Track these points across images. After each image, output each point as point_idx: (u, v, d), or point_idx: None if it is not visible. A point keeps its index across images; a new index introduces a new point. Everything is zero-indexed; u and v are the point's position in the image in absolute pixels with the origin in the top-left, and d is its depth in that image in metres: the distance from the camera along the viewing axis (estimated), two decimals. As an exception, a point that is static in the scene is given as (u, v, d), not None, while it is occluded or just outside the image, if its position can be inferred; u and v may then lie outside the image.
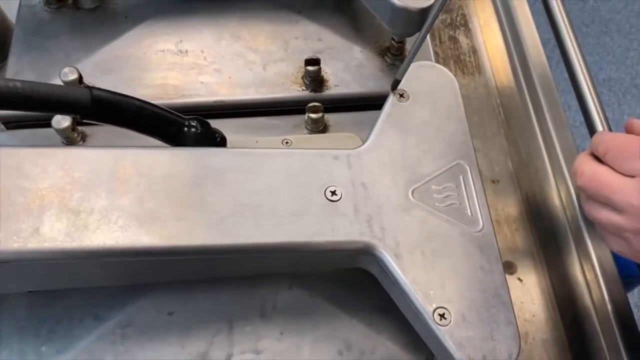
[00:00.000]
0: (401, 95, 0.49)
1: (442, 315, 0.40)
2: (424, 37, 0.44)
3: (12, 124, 0.60)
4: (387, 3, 0.55)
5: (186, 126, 0.49)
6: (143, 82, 0.61)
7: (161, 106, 0.48)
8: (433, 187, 0.45)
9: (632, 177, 0.39)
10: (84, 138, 0.57)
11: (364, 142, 0.47)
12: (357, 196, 0.43)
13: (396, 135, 0.47)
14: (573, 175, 0.44)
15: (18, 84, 0.39)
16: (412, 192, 0.45)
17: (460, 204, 0.45)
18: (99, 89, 0.44)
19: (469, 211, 0.45)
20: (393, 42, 0.62)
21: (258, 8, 0.65)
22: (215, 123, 0.57)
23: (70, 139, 0.56)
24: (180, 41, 0.63)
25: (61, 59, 0.61)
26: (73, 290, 0.47)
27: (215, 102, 0.60)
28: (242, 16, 0.65)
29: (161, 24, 0.64)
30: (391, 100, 0.49)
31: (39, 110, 0.42)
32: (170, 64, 0.62)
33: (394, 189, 0.44)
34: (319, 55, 0.61)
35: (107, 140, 0.57)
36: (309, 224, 0.42)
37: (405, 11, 0.55)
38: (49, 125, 0.55)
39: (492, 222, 0.45)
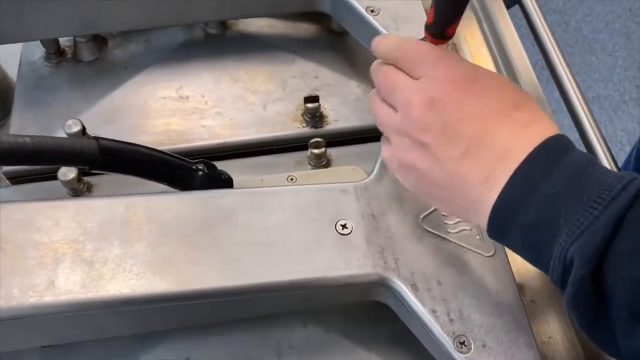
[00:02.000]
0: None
1: (462, 343, 0.40)
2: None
3: (17, 179, 0.61)
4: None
5: (193, 170, 0.49)
6: (146, 130, 0.61)
7: (167, 152, 0.49)
8: (442, 214, 0.45)
9: (417, 79, 0.38)
10: (89, 188, 0.58)
11: (369, 174, 0.48)
12: (368, 228, 0.44)
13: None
14: (372, 74, 0.43)
15: (27, 140, 0.40)
16: (422, 220, 0.45)
17: (470, 229, 0.45)
18: (106, 139, 0.45)
19: (480, 236, 0.45)
20: (389, 74, 0.63)
21: (255, 50, 0.67)
22: (220, 165, 0.57)
23: (76, 190, 0.56)
24: (181, 87, 0.64)
25: (63, 112, 0.62)
26: (87, 341, 0.47)
27: (218, 144, 0.61)
28: (240, 59, 0.66)
29: (160, 71, 0.65)
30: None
31: (49, 163, 0.43)
32: (172, 110, 0.63)
33: (404, 219, 0.44)
34: (316, 92, 0.62)
35: (113, 189, 0.57)
36: (321, 259, 0.42)
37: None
38: (53, 177, 0.56)
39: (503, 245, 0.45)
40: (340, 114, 0.63)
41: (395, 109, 0.40)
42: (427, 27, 0.41)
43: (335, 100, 0.64)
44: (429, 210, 0.45)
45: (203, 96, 0.64)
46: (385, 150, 0.41)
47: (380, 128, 0.42)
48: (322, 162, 0.59)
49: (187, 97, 0.64)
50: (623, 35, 1.97)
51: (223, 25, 0.68)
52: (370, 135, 0.63)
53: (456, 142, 0.36)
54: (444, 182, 0.37)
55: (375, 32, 0.56)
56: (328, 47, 0.68)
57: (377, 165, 0.47)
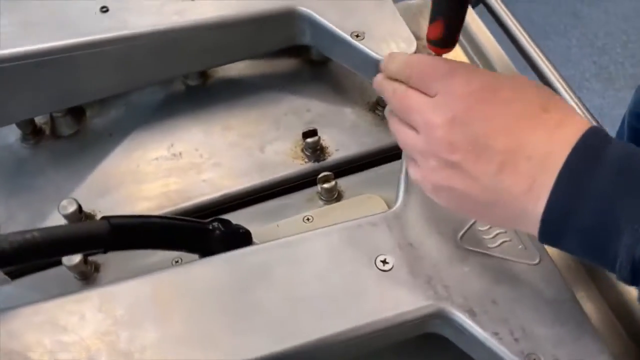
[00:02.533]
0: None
1: (534, 362, 0.38)
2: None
3: (15, 273, 0.57)
4: (369, 60, 0.55)
5: (209, 230, 0.46)
6: (144, 195, 0.58)
7: (178, 216, 0.46)
8: (479, 228, 0.44)
9: (434, 96, 0.37)
10: (97, 268, 0.54)
11: (394, 201, 0.46)
12: (409, 259, 0.41)
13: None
14: (383, 93, 0.41)
15: (35, 234, 0.37)
16: (461, 239, 0.43)
17: (511, 240, 0.43)
18: (115, 216, 0.42)
19: (521, 245, 0.43)
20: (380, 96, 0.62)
21: (240, 94, 0.65)
22: (227, 217, 0.55)
23: (84, 273, 0.52)
24: (172, 145, 0.62)
25: (53, 193, 0.59)
26: None
27: (221, 196, 0.58)
28: (227, 105, 0.64)
29: (147, 132, 0.62)
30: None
31: (61, 255, 0.39)
32: (167, 170, 0.60)
33: (442, 241, 0.43)
34: (312, 126, 0.60)
35: (121, 264, 0.54)
36: (369, 302, 0.39)
37: (390, 64, 0.55)
38: (55, 264, 0.52)
39: (545, 249, 0.43)
40: (340, 144, 0.61)
41: (416, 130, 0.38)
42: (434, 42, 0.40)
43: (332, 130, 0.62)
44: (466, 227, 0.44)
45: (197, 150, 0.61)
46: (414, 172, 0.39)
47: (404, 150, 0.40)
48: (333, 196, 0.57)
49: (180, 153, 0.61)
50: (571, 15, 2.02)
51: (203, 75, 0.66)
52: (374, 159, 0.62)
53: (489, 158, 0.35)
54: (484, 199, 0.36)
55: (364, 57, 0.55)
56: (313, 78, 0.67)
57: (401, 191, 0.45)
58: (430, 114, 0.36)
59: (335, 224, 0.44)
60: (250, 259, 0.41)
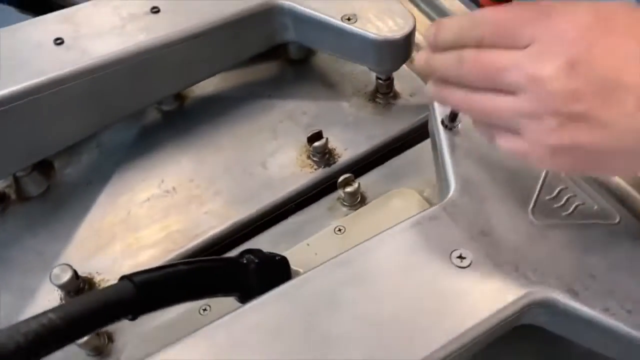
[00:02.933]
0: (451, 123, 0.43)
1: (656, 331, 0.33)
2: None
3: None
4: (367, 42, 0.50)
5: (243, 265, 0.40)
6: (143, 244, 0.51)
7: (204, 258, 0.39)
8: (546, 198, 0.39)
9: (524, 47, 0.31)
10: (110, 338, 0.46)
11: (442, 189, 0.40)
12: (486, 248, 0.36)
13: (473, 165, 0.41)
14: (439, 70, 0.34)
15: (51, 316, 0.29)
16: (532, 214, 0.38)
17: (584, 202, 0.39)
18: (136, 274, 0.35)
19: (596, 205, 0.39)
20: (380, 81, 0.57)
21: (224, 110, 0.58)
22: (245, 246, 0.48)
23: (98, 348, 0.44)
24: (162, 181, 0.54)
25: (36, 263, 0.50)
26: None
27: (231, 226, 0.52)
28: (213, 125, 0.57)
29: (131, 172, 0.55)
30: (443, 134, 0.43)
31: (85, 334, 0.32)
32: (163, 209, 0.53)
33: (515, 221, 0.38)
34: (313, 129, 0.54)
35: (137, 327, 0.46)
36: (459, 307, 0.34)
37: (389, 43, 0.50)
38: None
39: (621, 205, 0.39)
40: (347, 142, 0.56)
41: (512, 93, 0.31)
42: None
43: (336, 129, 0.56)
44: (533, 200, 0.39)
45: (191, 181, 0.54)
46: (513, 143, 0.33)
47: (493, 121, 0.33)
48: (357, 200, 0.51)
49: (174, 188, 0.54)
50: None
51: (178, 97, 0.59)
52: (387, 151, 0.56)
53: (621, 97, 0.29)
54: (622, 147, 0.29)
55: (361, 41, 0.50)
56: (298, 78, 0.61)
57: (451, 176, 0.40)
58: (534, 67, 0.29)
59: (387, 229, 0.38)
60: (309, 289, 0.35)
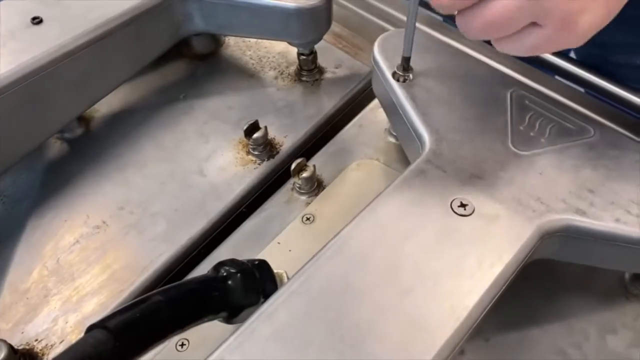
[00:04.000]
0: (405, 73, 0.40)
1: (670, 229, 0.32)
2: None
3: None
4: (287, 15, 0.46)
5: (221, 279, 0.34)
6: (84, 293, 0.43)
7: (176, 283, 0.33)
8: (521, 128, 0.37)
9: None
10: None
11: (419, 144, 0.38)
12: (485, 191, 0.34)
13: (442, 113, 0.38)
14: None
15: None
16: (514, 146, 0.36)
17: (556, 123, 0.38)
18: (106, 318, 0.28)
19: (569, 124, 0.38)
20: (303, 57, 0.53)
21: (139, 123, 0.51)
22: (211, 260, 0.43)
23: None
24: (88, 216, 0.46)
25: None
26: None
27: (183, 246, 0.45)
28: (129, 143, 0.50)
29: (48, 216, 0.46)
30: (399, 89, 0.40)
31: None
32: (98, 248, 0.45)
33: (502, 158, 0.36)
34: (243, 121, 0.49)
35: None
36: (483, 257, 0.31)
37: (310, 11, 0.47)
38: None
39: (592, 118, 0.39)
40: (285, 128, 0.51)
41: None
42: None
43: (269, 118, 0.52)
44: (509, 133, 0.37)
45: (122, 208, 0.47)
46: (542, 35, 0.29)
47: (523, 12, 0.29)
48: (314, 184, 0.47)
49: (104, 222, 0.46)
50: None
51: (81, 120, 0.51)
52: (328, 129, 0.53)
53: None
54: None
55: (280, 13, 0.46)
56: (212, 73, 0.55)
57: (422, 126, 0.37)
58: None
59: (375, 197, 0.34)
60: (316, 284, 0.30)
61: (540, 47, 0.30)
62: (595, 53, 0.53)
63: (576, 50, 0.58)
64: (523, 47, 0.30)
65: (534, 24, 0.29)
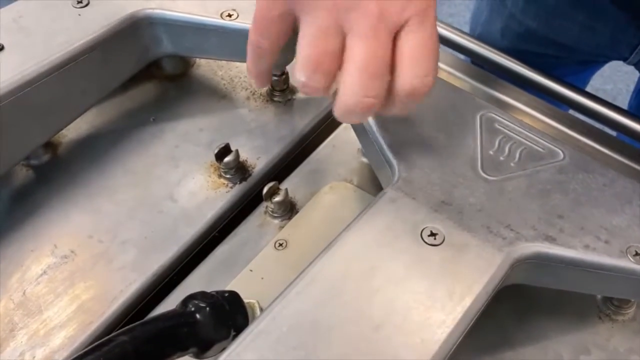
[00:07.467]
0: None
1: (637, 254, 0.33)
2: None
3: None
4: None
5: (190, 313, 0.33)
6: (52, 325, 0.42)
7: (141, 321, 0.32)
8: (490, 152, 0.37)
9: None
10: None
11: (390, 170, 0.37)
12: (454, 218, 0.34)
13: (412, 138, 0.38)
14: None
15: None
16: (484, 171, 0.36)
17: (526, 147, 0.38)
18: (69, 363, 0.27)
19: (539, 147, 0.38)
20: (275, 77, 0.52)
21: (108, 148, 0.50)
22: (182, 291, 0.42)
23: None
24: (55, 246, 0.45)
25: None
26: None
27: (154, 274, 0.44)
28: (99, 169, 0.49)
29: (13, 246, 0.45)
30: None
31: None
32: (66, 278, 0.44)
33: (471, 184, 0.35)
34: (214, 144, 0.48)
35: None
36: (454, 288, 0.31)
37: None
38: None
39: (562, 143, 0.39)
40: (257, 149, 0.51)
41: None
42: None
43: (241, 139, 0.51)
44: (479, 157, 0.37)
45: (90, 237, 0.46)
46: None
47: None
48: (287, 207, 0.47)
49: (72, 251, 0.45)
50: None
51: (48, 146, 0.50)
52: (301, 149, 0.52)
53: None
54: None
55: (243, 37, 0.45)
56: (182, 94, 0.55)
57: (391, 154, 0.37)
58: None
59: (345, 228, 0.34)
60: (285, 321, 0.30)
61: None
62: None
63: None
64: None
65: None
